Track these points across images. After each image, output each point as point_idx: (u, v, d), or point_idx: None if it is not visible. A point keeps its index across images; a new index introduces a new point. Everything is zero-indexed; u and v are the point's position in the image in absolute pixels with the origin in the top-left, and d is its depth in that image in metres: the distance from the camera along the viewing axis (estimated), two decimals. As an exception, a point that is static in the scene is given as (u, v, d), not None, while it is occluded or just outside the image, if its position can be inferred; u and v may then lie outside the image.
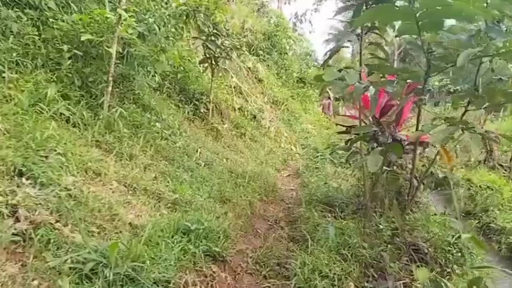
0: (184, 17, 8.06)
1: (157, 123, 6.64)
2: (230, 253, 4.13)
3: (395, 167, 5.64)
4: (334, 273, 3.72)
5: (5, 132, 4.07)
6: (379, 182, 4.99)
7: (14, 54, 5.03)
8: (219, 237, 4.18)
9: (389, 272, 3.86)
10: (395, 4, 4.21)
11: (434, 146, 5.16)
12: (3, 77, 4.75)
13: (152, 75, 7.17)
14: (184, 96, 9.02)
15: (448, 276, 3.90)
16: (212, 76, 9.41)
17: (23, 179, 3.65)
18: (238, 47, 9.87)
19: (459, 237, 4.43)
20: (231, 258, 4.10)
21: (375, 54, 4.95)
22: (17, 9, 5.35)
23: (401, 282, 3.65)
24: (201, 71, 10.09)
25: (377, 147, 5.80)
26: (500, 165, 11.74)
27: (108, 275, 2.79)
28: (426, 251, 4.27)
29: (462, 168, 9.56)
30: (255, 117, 11.74)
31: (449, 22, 4.25)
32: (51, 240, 3.08)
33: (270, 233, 5.13)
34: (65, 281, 2.70)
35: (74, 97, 5.56)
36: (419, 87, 4.34)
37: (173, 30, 8.33)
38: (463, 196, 6.32)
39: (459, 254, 4.22)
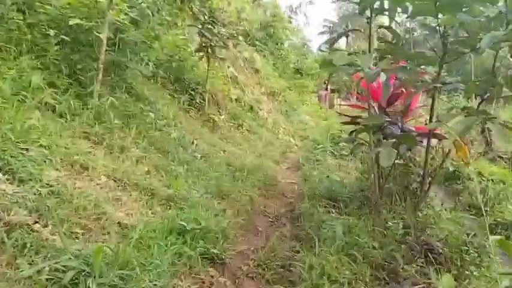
0: (179, 2, 7.65)
1: (150, 114, 6.28)
2: (230, 255, 3.78)
3: (402, 161, 5.32)
4: (344, 277, 3.39)
5: (-19, 123, 3.70)
6: (390, 177, 4.66)
7: (-4, 40, 4.66)
8: (218, 238, 3.83)
9: (403, 275, 3.54)
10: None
11: (445, 138, 4.82)
12: (-17, 63, 4.38)
13: (146, 64, 6.79)
14: (180, 86, 8.64)
15: (466, 280, 3.58)
16: (208, 65, 9.03)
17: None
18: (235, 35, 9.48)
19: (475, 235, 4.12)
20: (231, 260, 3.75)
21: (384, 38, 4.59)
22: (1, -8, 4.97)
23: (417, 287, 3.33)
24: (197, 60, 9.70)
25: (384, 139, 5.49)
26: (500, 157, 11.44)
27: (91, 286, 2.43)
28: (441, 250, 3.95)
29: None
30: (252, 108, 11.39)
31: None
32: (28, 245, 2.71)
33: (272, 231, 4.79)
34: (41, 293, 2.35)
35: (62, 85, 5.19)
36: (427, 76, 4.00)
37: (168, 18, 7.96)
38: (473, 190, 6.00)
39: (476, 254, 3.90)
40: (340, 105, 25.35)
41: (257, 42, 15.65)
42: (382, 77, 3.83)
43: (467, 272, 3.67)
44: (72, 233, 3.32)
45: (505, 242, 3.33)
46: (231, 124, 9.76)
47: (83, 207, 3.61)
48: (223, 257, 3.69)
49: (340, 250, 3.81)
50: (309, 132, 12.49)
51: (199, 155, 6.67)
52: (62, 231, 3.04)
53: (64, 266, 2.61)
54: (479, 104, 4.10)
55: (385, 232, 4.17)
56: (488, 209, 6.20)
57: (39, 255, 2.68)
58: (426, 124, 5.31)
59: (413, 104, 5.14)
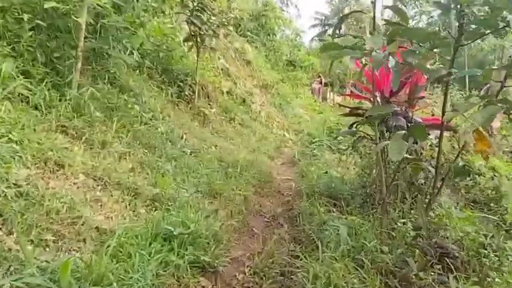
0: (166, -13, 7.18)
1: (135, 106, 5.83)
2: (223, 262, 3.35)
3: (409, 155, 4.92)
4: (352, 287, 3.00)
5: None
6: (398, 173, 4.26)
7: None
8: (209, 243, 3.41)
9: (418, 283, 3.16)
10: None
11: (456, 132, 4.42)
12: None
13: (130, 52, 6.31)
14: (168, 77, 8.17)
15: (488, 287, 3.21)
16: (198, 56, 8.57)
17: (-43, 174, 2.86)
18: (226, 24, 9.01)
19: (493, 236, 3.75)
20: (224, 268, 3.33)
21: (389, 20, 4.18)
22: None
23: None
24: (186, 51, 9.23)
25: (387, 131, 5.09)
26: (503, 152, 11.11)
27: (54, 310, 2.01)
28: (457, 254, 3.57)
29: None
30: (244, 101, 10.97)
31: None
32: (-15, 257, 2.28)
33: (269, 233, 4.38)
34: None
35: (37, 75, 4.75)
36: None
37: (154, 4, 7.47)
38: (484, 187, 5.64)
39: (496, 258, 3.53)
40: (333, 99, 25.11)
41: (248, 33, 15.16)
42: (390, 62, 3.42)
43: (488, 279, 3.29)
44: (41, 240, 2.90)
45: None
46: (223, 118, 9.32)
47: (56, 210, 3.19)
48: (216, 264, 3.27)
49: (346, 255, 3.41)
50: (304, 126, 12.08)
51: (189, 151, 6.24)
52: (26, 239, 2.62)
53: (26, 284, 2.18)
54: (499, 91, 3.71)
55: (394, 234, 3.78)
56: (499, 207, 5.85)
57: (-1, 269, 2.26)
58: (433, 115, 4.93)
59: (419, 93, 4.74)
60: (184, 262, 3.04)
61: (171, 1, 8.43)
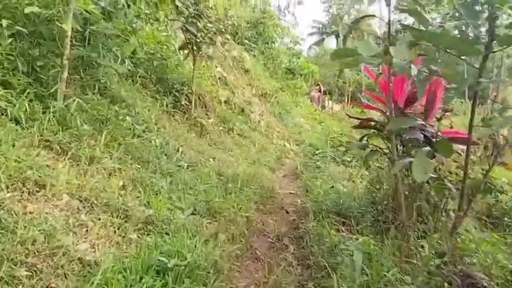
0: (160, -7, 6.82)
1: (127, 118, 5.42)
2: (224, 297, 2.95)
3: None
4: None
5: None
6: (420, 193, 3.87)
7: None
8: (208, 274, 3.00)
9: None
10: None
11: (478, 144, 4.03)
12: None
13: (122, 61, 5.93)
14: (162, 87, 7.78)
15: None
16: (194, 64, 8.20)
17: None
18: (223, 30, 8.65)
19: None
20: (226, 304, 2.93)
21: (406, 24, 3.82)
22: None
23: None
24: (182, 59, 8.85)
25: (401, 145, 4.72)
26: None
27: None
28: (485, 284, 3.16)
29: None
30: (243, 110, 10.57)
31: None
32: None
33: (274, 257, 3.97)
34: None
35: (18, 85, 4.37)
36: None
37: (146, 11, 7.12)
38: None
39: (530, 287, 3.13)
40: (331, 107, 24.78)
41: (246, 41, 14.82)
42: (413, 70, 3.04)
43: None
44: (13, 277, 2.48)
45: None
46: (221, 128, 8.92)
47: (32, 239, 2.78)
48: (216, 300, 2.86)
49: (364, 286, 3.00)
50: (305, 136, 11.68)
51: (186, 164, 5.84)
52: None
53: None
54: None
55: (415, 261, 3.37)
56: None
57: None
58: (451, 127, 4.54)
59: (437, 103, 4.36)
60: (179, 300, 2.63)
61: (165, 7, 8.09)
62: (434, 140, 4.21)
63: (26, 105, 4.14)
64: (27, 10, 4.39)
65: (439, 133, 3.77)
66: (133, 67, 6.62)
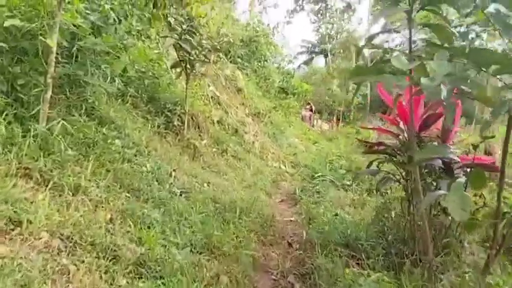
0: (152, 8, 6.44)
1: (116, 141, 4.98)
2: None
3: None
4: None
5: None
6: (449, 229, 3.49)
7: None
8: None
9: None
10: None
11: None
12: None
13: (111, 79, 5.52)
14: (154, 107, 7.37)
15: None
16: (187, 83, 7.81)
17: None
18: (219, 48, 8.31)
19: None
20: None
21: (430, 40, 3.48)
22: None
23: None
24: (174, 78, 8.47)
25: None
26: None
27: None
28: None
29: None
30: (236, 131, 10.17)
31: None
32: None
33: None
34: None
35: (-4, 106, 3.91)
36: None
37: (138, 27, 6.75)
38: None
39: None
40: (320, 126, 24.59)
41: (239, 60, 14.51)
42: (443, 91, 2.68)
43: None
44: None
45: None
46: (214, 150, 8.49)
47: (1, 292, 2.32)
48: None
49: None
50: (300, 157, 11.28)
51: (179, 191, 5.40)
52: None
53: None
54: None
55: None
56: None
57: None
58: (467, 153, 4.17)
59: (455, 126, 4.03)
60: None
61: (158, 24, 7.73)
62: (454, 167, 3.87)
63: (3, 128, 3.70)
64: (7, 23, 3.99)
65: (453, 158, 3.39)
66: (123, 86, 6.21)
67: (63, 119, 4.36)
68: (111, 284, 2.86)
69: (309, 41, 38.87)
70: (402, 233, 4.66)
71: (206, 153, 8.00)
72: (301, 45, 38.98)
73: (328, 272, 3.85)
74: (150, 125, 6.77)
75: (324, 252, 4.32)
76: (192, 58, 7.46)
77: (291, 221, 6.17)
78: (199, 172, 6.91)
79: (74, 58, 4.94)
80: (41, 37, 4.19)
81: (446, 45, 2.99)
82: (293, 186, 8.52)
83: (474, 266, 3.57)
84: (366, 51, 33.00)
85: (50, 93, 4.27)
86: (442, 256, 3.81)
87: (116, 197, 4.12)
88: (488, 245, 3.86)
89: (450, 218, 4.07)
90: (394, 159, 4.31)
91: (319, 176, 7.70)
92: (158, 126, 7.07)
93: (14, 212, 3.00)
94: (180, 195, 5.34)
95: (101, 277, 2.89)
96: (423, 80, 2.58)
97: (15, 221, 2.97)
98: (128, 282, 2.96)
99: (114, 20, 5.45)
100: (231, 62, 13.54)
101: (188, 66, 7.60)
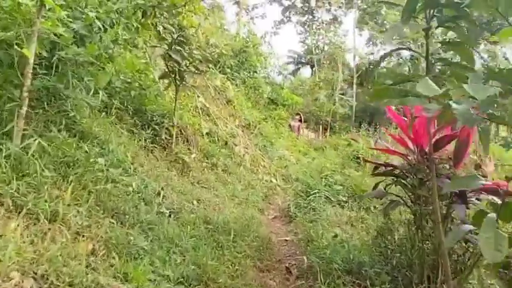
0: (140, 16, 6.09)
1: (99, 159, 4.58)
2: None
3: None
4: None
5: None
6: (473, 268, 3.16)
7: None
8: None
9: None
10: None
11: None
12: None
13: (95, 92, 5.12)
14: (140, 119, 6.98)
15: None
16: (176, 95, 7.45)
17: None
18: (211, 59, 7.97)
19: None
20: None
21: (448, 59, 3.20)
22: None
23: None
24: (162, 89, 8.09)
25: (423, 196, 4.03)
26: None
27: None
28: None
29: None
30: (226, 143, 9.82)
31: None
32: None
33: None
34: None
35: (-37, 122, 3.50)
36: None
37: (125, 37, 6.35)
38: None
39: None
40: (307, 135, 24.44)
41: (228, 70, 14.19)
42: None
43: None
44: None
45: None
46: (204, 164, 8.11)
47: None
48: None
49: None
50: (292, 170, 10.95)
51: (168, 211, 5.05)
52: None
53: None
54: None
55: None
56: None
57: None
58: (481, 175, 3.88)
59: (467, 148, 3.73)
60: None
61: (146, 33, 7.36)
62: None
63: (-29, 149, 3.29)
64: (-22, 31, 3.60)
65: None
66: (108, 97, 5.81)
67: (40, 136, 3.97)
68: (91, 335, 2.47)
69: (296, 52, 38.78)
70: (407, 257, 4.36)
71: (195, 168, 7.62)
72: (287, 55, 38.89)
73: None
74: (136, 139, 6.38)
75: (326, 281, 3.98)
76: (182, 69, 7.12)
77: (286, 240, 5.82)
78: (189, 189, 6.53)
79: (54, 69, 4.54)
80: (16, 47, 3.80)
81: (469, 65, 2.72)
82: (286, 202, 8.18)
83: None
84: (351, 62, 33.18)
85: (25, 108, 3.88)
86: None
87: (98, 224, 3.72)
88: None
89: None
90: (403, 181, 4.00)
91: (315, 193, 7.36)
92: (145, 140, 6.68)
93: (-21, 248, 2.59)
94: (169, 216, 4.98)
95: (79, 326, 2.50)
96: (454, 105, 2.27)
97: (-21, 259, 2.56)
98: (111, 331, 2.58)
99: (99, 28, 5.07)
100: (220, 72, 13.21)
101: (178, 77, 7.25)
